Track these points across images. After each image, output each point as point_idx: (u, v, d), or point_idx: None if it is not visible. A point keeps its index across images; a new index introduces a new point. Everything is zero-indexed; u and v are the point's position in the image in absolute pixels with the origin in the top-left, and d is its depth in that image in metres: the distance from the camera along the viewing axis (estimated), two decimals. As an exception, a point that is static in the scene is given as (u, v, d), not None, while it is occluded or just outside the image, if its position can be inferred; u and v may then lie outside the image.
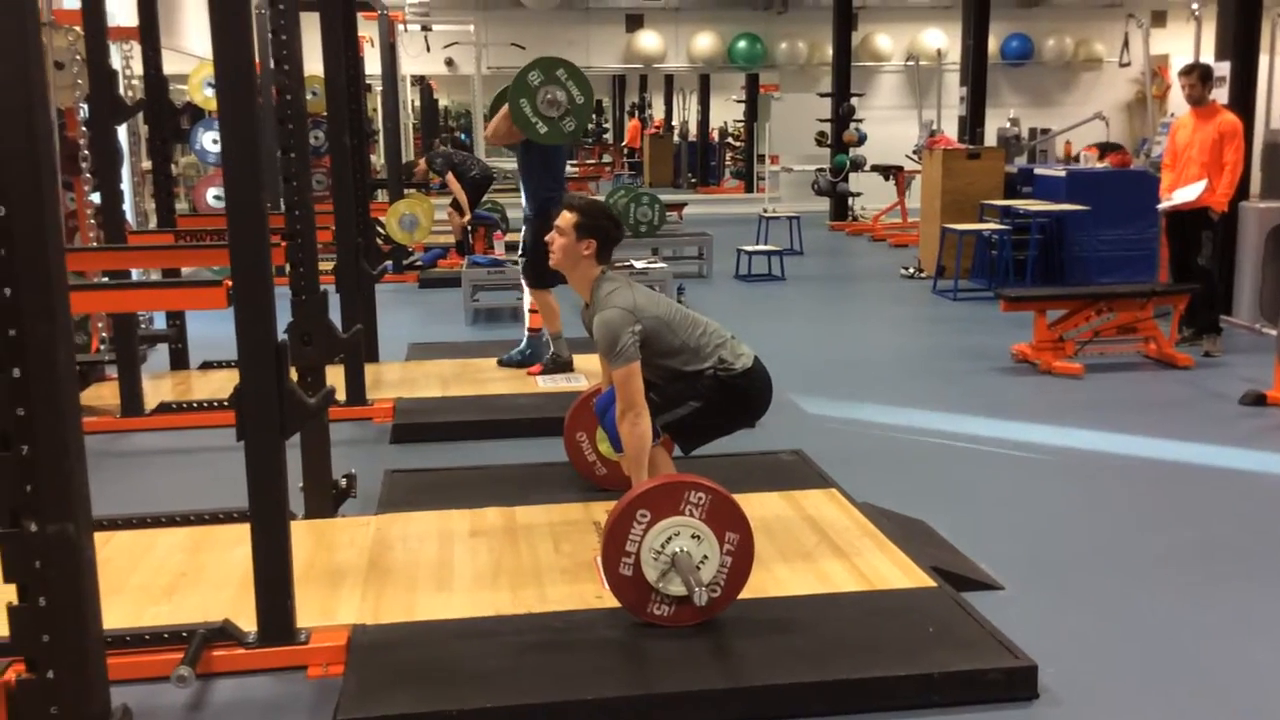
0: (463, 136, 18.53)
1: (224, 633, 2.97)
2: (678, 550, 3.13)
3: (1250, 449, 5.11)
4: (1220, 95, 7.47)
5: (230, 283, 2.74)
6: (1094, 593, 3.59)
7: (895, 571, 3.48)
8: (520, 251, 6.30)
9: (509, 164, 16.10)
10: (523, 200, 6.12)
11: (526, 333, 6.42)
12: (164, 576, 3.48)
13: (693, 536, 3.16)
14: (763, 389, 3.71)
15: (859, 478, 4.50)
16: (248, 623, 3.02)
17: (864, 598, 3.33)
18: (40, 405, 1.75)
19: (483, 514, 4.02)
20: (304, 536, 3.73)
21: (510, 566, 3.56)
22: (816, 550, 3.67)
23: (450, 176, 10.69)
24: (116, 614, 2.99)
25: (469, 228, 10.89)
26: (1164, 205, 7.12)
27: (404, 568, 3.56)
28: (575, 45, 17.04)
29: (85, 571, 1.86)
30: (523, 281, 6.31)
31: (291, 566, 2.99)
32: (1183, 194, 6.91)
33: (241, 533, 3.13)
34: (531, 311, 6.34)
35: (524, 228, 6.15)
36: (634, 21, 17.12)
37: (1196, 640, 3.27)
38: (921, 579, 3.42)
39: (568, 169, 22.53)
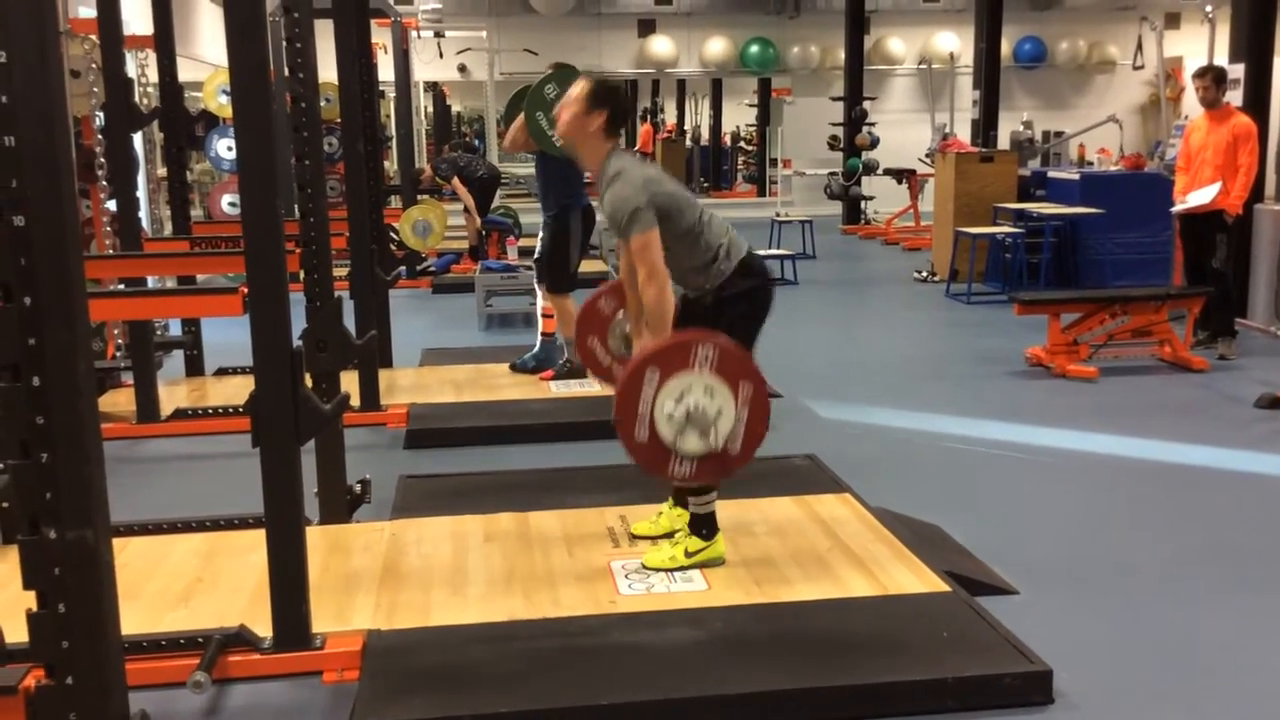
0: (476, 142, 18.56)
1: (240, 638, 2.98)
2: (691, 406, 3.10)
3: (1266, 452, 5.09)
4: (1234, 98, 7.44)
5: (246, 290, 2.76)
6: (1109, 597, 3.58)
7: (909, 576, 3.47)
8: (535, 255, 6.31)
9: (520, 169, 16.13)
10: (540, 204, 6.14)
11: (539, 337, 6.43)
12: (180, 582, 3.50)
13: (705, 391, 3.12)
14: (764, 268, 3.64)
15: (873, 482, 4.49)
16: (263, 628, 3.03)
17: (878, 603, 3.32)
18: (60, 413, 1.76)
19: (496, 519, 4.03)
20: (319, 542, 3.74)
21: (524, 571, 3.57)
22: (830, 555, 3.66)
23: (456, 181, 10.71)
24: (134, 619, 3.01)
25: (482, 233, 10.92)
26: (1178, 208, 7.09)
27: (418, 573, 3.57)
28: (587, 50, 17.07)
29: (104, 578, 1.87)
30: (536, 286, 6.32)
31: (306, 572, 3.00)
32: (1197, 197, 6.88)
33: (257, 538, 3.15)
34: (545, 316, 6.35)
35: (541, 231, 6.16)
36: (646, 26, 17.14)
37: (1212, 646, 3.26)
38: (936, 584, 3.41)
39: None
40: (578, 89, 3.56)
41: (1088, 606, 3.51)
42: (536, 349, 6.41)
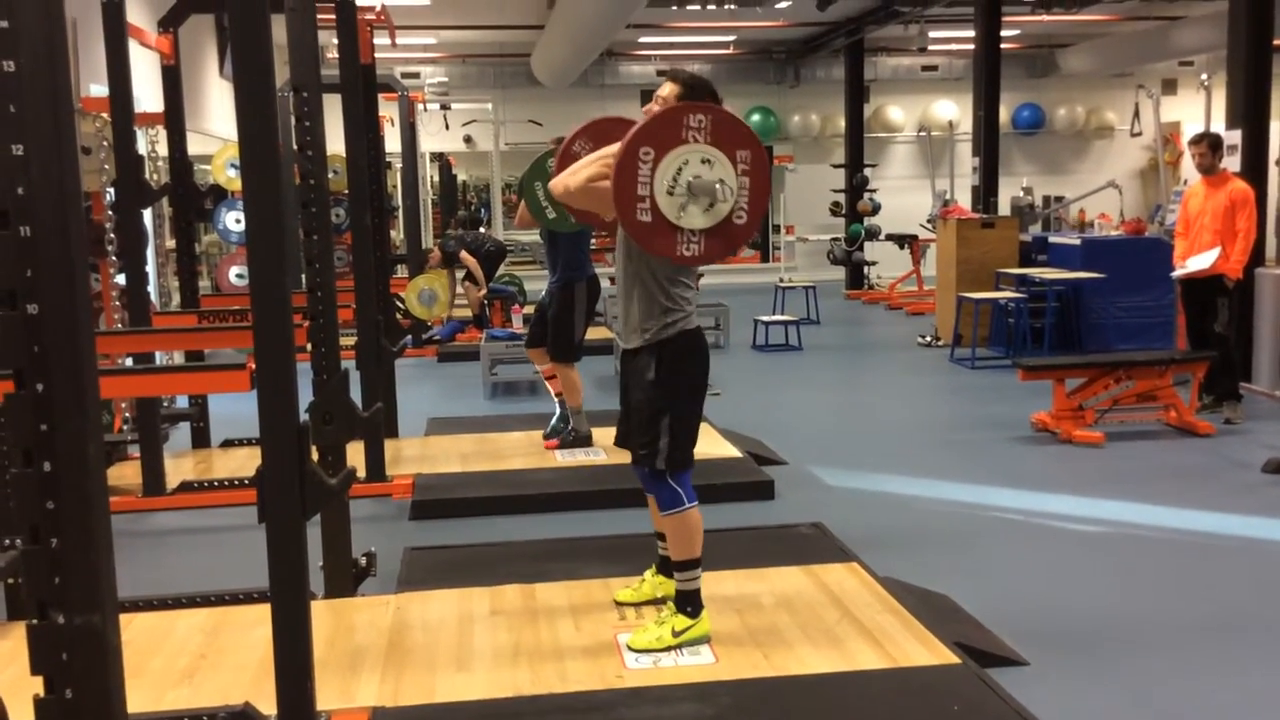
0: (481, 212, 18.73)
1: (244, 716, 2.96)
2: (692, 177, 3.02)
3: (1274, 518, 5.07)
4: (1233, 163, 7.52)
5: (253, 365, 2.78)
6: (1120, 667, 3.54)
7: (919, 648, 3.45)
8: (533, 322, 6.33)
9: (525, 236, 16.26)
10: (547, 273, 6.20)
11: (555, 399, 6.40)
12: (184, 659, 3.48)
13: (703, 161, 3.04)
14: (704, 344, 3.51)
15: (880, 551, 4.48)
16: (268, 705, 3.00)
17: (888, 675, 3.29)
18: (70, 499, 1.77)
19: (502, 592, 4.01)
20: (324, 616, 3.73)
21: (530, 645, 3.55)
22: (839, 626, 3.64)
23: (464, 254, 10.85)
24: (137, 697, 2.98)
25: (486, 301, 10.99)
26: (1178, 273, 7.14)
27: (424, 648, 3.55)
28: (591, 121, 17.28)
29: (111, 663, 1.87)
30: (529, 354, 6.27)
31: (311, 649, 2.98)
32: (1196, 262, 6.93)
33: (262, 613, 3.13)
34: (549, 378, 6.36)
35: (547, 299, 6.18)
36: (649, 97, 17.23)
37: (1224, 717, 3.22)
38: (946, 656, 3.39)
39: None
40: (669, 90, 3.45)
41: (1098, 677, 3.48)
42: (558, 411, 6.39)
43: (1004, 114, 14.79)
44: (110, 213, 6.12)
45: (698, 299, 3.57)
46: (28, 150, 1.73)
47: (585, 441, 6.21)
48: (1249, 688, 3.41)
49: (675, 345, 3.43)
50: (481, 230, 12.46)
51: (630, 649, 3.47)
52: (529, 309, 10.32)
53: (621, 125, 3.64)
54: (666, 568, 3.71)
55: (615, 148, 3.40)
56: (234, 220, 8.99)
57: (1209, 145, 6.95)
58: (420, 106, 12.87)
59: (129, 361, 5.59)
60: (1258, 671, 3.52)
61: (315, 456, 3.39)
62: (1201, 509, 5.21)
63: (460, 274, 11.18)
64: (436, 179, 17.97)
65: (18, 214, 1.75)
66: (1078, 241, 9.94)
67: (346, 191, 6.34)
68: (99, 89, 6.46)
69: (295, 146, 4.01)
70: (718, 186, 3.04)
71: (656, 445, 3.43)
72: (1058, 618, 3.97)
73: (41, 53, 1.74)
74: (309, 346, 4.05)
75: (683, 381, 3.48)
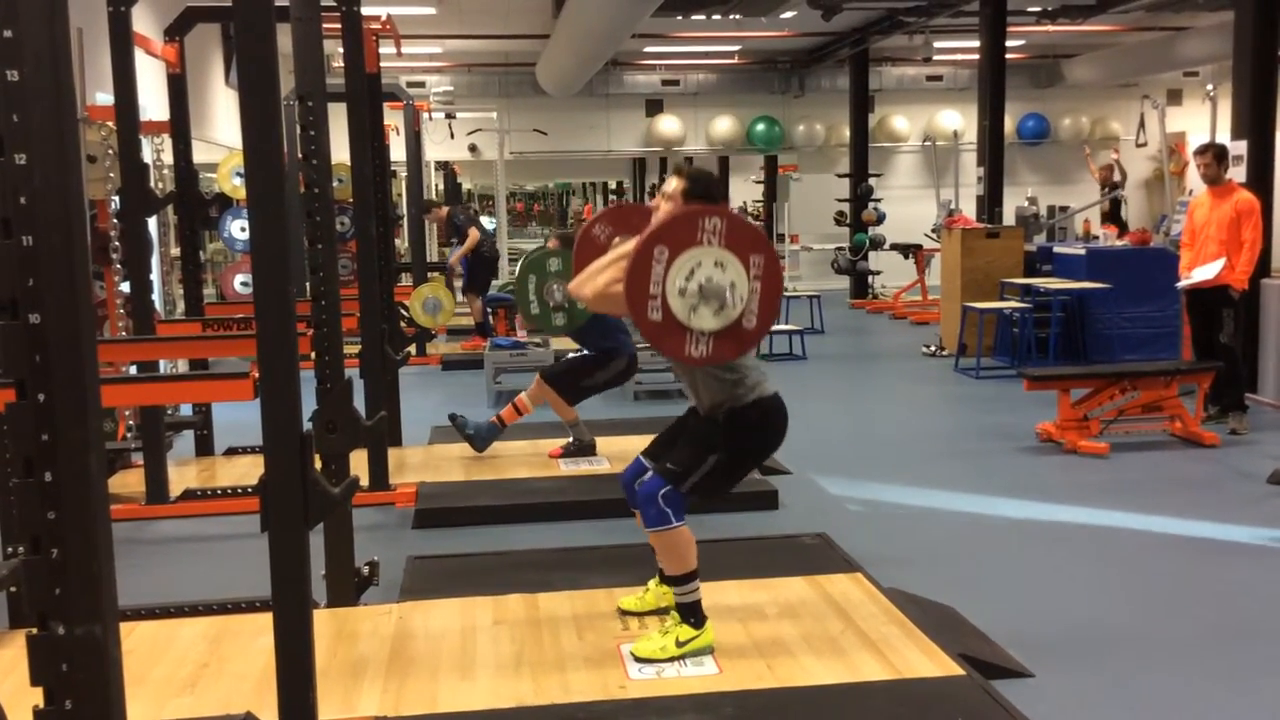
0: (488, 225, 18.78)
1: (246, 726, 2.95)
2: (704, 280, 3.05)
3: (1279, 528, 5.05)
4: (1238, 173, 7.51)
5: (257, 374, 2.78)
6: (1126, 678, 3.53)
7: (923, 659, 3.43)
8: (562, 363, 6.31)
9: (528, 244, 16.26)
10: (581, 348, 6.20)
11: (497, 418, 6.29)
12: (186, 668, 3.47)
13: (716, 264, 3.06)
14: (783, 418, 3.56)
15: (884, 561, 4.46)
16: (270, 714, 2.99)
17: (892, 687, 3.28)
18: (71, 509, 1.77)
19: (505, 601, 4.00)
20: (326, 625, 3.72)
21: (533, 655, 3.54)
22: (843, 637, 3.62)
23: (472, 230, 10.89)
24: (139, 707, 2.98)
25: (490, 310, 11.02)
26: (1183, 283, 7.12)
27: (426, 657, 3.54)
28: (596, 130, 17.32)
29: (112, 674, 1.86)
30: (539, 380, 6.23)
31: (314, 659, 2.97)
32: (1201, 272, 6.92)
33: (264, 623, 3.12)
34: (515, 406, 6.22)
35: (581, 352, 6.19)
36: (654, 106, 17.40)
37: (1233, 730, 3.20)
38: (950, 667, 3.37)
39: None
40: (674, 186, 3.53)
41: (1103, 689, 3.46)
42: (486, 425, 6.27)
43: (1009, 124, 14.80)
44: (115, 221, 6.12)
45: (756, 361, 3.57)
46: (30, 159, 1.73)
47: (589, 450, 6.20)
48: (1256, 699, 3.39)
49: (748, 416, 3.47)
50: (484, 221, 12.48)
51: (635, 658, 3.46)
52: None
53: (640, 213, 3.71)
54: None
55: (632, 244, 3.48)
56: (239, 228, 8.99)
57: (1214, 156, 6.94)
58: (425, 115, 12.89)
59: (133, 369, 5.59)
60: (1265, 683, 3.50)
61: (318, 465, 3.38)
62: (1207, 520, 5.19)
63: (459, 283, 11.19)
64: (441, 188, 17.99)
65: (20, 223, 1.75)
66: (1083, 252, 9.93)
67: (351, 200, 6.36)
68: (105, 97, 6.47)
69: (300, 155, 4.02)
70: (728, 291, 3.08)
71: (691, 471, 3.43)
72: (1062, 629, 3.95)
73: (44, 62, 1.74)
74: (313, 355, 4.06)
75: (747, 447, 3.53)
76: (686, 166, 3.69)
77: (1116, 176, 13.64)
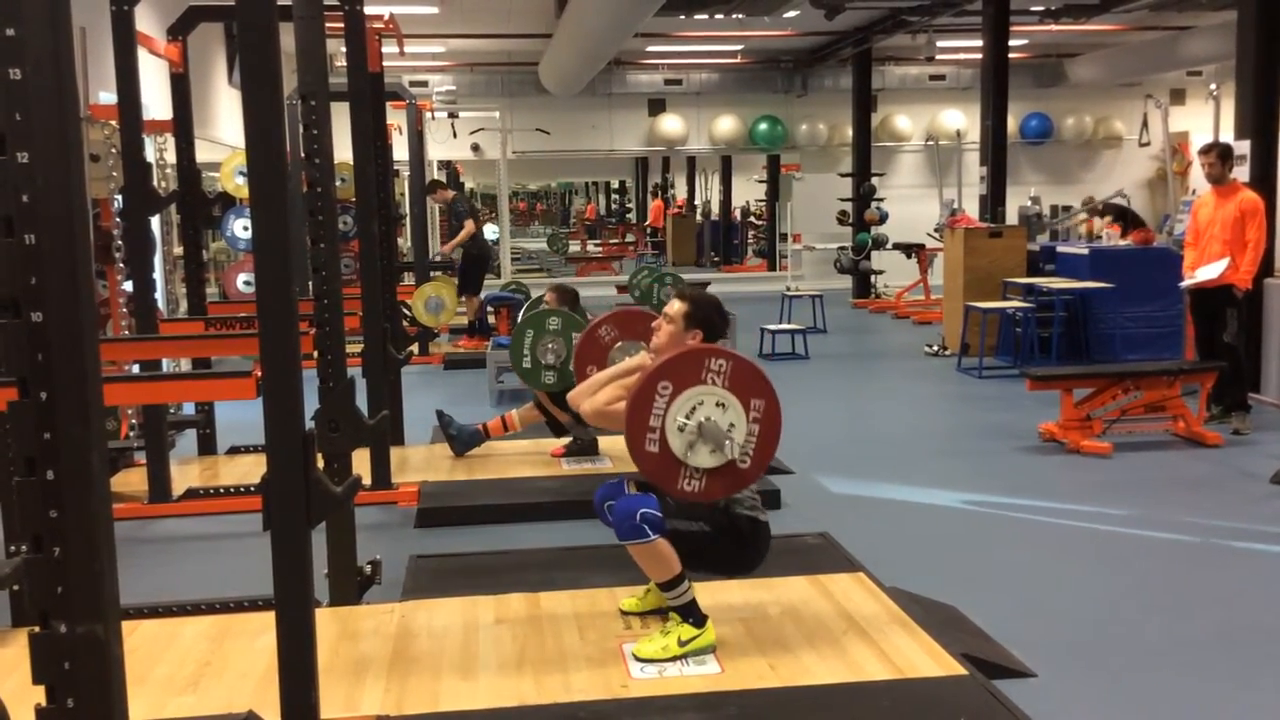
0: (490, 233, 18.81)
1: (248, 725, 2.95)
2: (704, 419, 3.08)
3: (1284, 529, 5.04)
4: (1241, 173, 7.50)
5: (259, 373, 2.78)
6: (1128, 678, 3.52)
7: (926, 659, 3.43)
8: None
9: (530, 244, 16.28)
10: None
11: (480, 425, 6.28)
12: (188, 666, 3.47)
13: (717, 404, 3.11)
14: (764, 548, 3.65)
15: (887, 561, 4.46)
16: (272, 713, 2.99)
17: (894, 686, 3.28)
18: (73, 508, 1.77)
19: (507, 600, 4.00)
20: (328, 624, 3.72)
21: (535, 654, 3.54)
22: (845, 637, 3.62)
23: (469, 223, 10.92)
24: (141, 705, 2.98)
25: (492, 310, 11.02)
26: (1187, 283, 7.12)
27: (428, 656, 3.54)
28: (599, 130, 17.33)
29: (113, 672, 1.86)
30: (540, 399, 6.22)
31: (316, 657, 2.98)
32: (1205, 272, 6.91)
33: (266, 621, 3.12)
34: (503, 421, 6.21)
35: None
36: (656, 106, 17.40)
37: (1236, 730, 3.20)
38: (952, 667, 3.37)
39: (589, 247, 22.74)
40: (676, 309, 3.62)
41: (1106, 689, 3.46)
42: (473, 427, 6.26)
43: (1012, 123, 14.79)
44: (118, 219, 6.13)
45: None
46: (33, 158, 1.73)
47: (591, 449, 6.20)
48: (1259, 700, 3.39)
49: (739, 523, 3.53)
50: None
51: (636, 658, 3.45)
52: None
53: (645, 319, 3.79)
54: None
55: (636, 361, 3.61)
56: (241, 227, 9.00)
57: (1219, 155, 6.93)
58: (428, 115, 12.89)
59: (135, 368, 5.59)
60: (1268, 683, 3.50)
61: (321, 464, 3.39)
62: (1209, 519, 5.19)
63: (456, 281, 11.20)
64: (444, 187, 17.99)
65: (22, 222, 1.75)
66: (1085, 251, 9.92)
67: (354, 199, 6.36)
68: (108, 96, 6.48)
69: (303, 154, 4.02)
70: (727, 440, 3.13)
71: (679, 519, 3.44)
72: (1065, 629, 3.95)
73: (47, 60, 1.74)
74: (315, 354, 4.06)
75: (728, 546, 3.57)
76: (690, 290, 3.80)
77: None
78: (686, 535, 3.48)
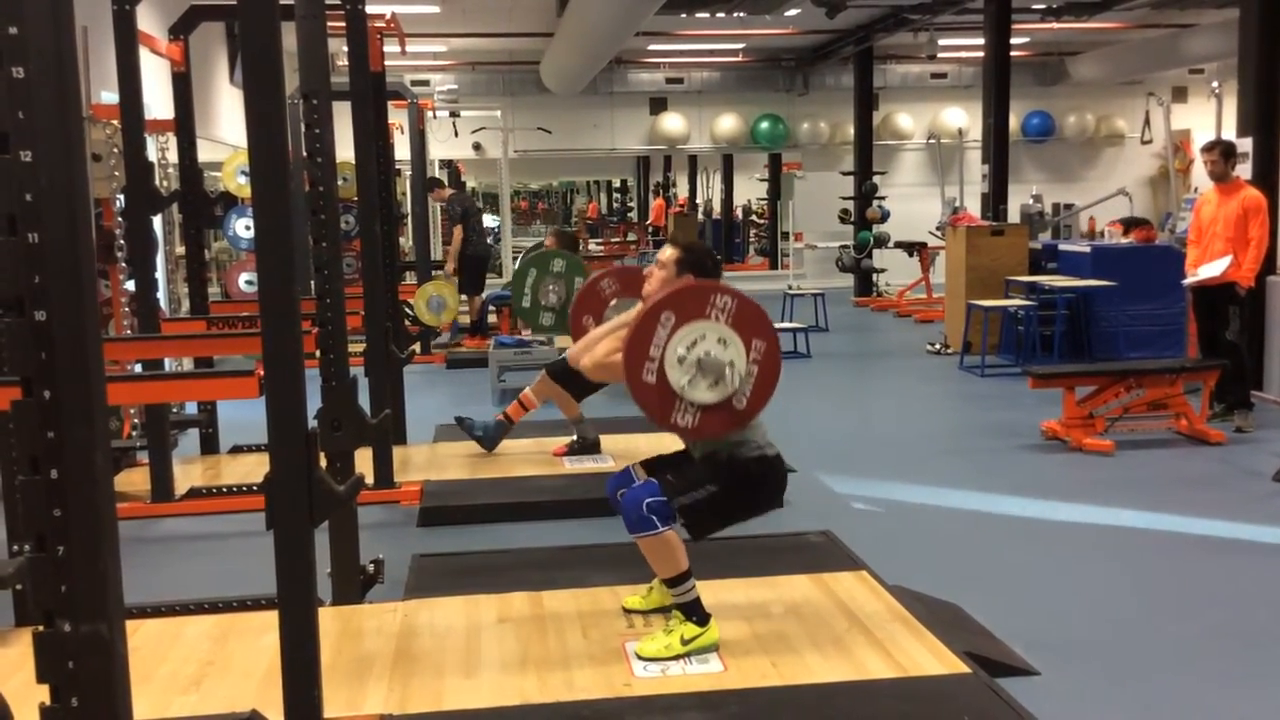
0: (494, 229, 18.79)
1: (251, 724, 2.95)
2: (703, 354, 3.06)
3: (1287, 527, 5.04)
4: (1244, 171, 7.49)
5: (262, 372, 2.79)
6: (1131, 677, 3.52)
7: (929, 657, 3.43)
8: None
9: (530, 241, 16.28)
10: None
11: (500, 414, 6.32)
12: (191, 665, 3.48)
13: (719, 340, 3.08)
14: (782, 482, 3.63)
15: (889, 559, 4.45)
16: (275, 712, 2.99)
17: (897, 685, 3.27)
18: (77, 507, 1.77)
19: (510, 599, 4.00)
20: (331, 623, 3.72)
21: (538, 653, 3.54)
22: (848, 635, 3.62)
23: (457, 229, 10.87)
24: (145, 704, 2.98)
25: (492, 308, 11.02)
26: (1189, 281, 7.11)
27: (431, 655, 3.54)
28: (600, 129, 17.32)
29: (118, 671, 1.86)
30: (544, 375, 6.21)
31: (319, 656, 2.98)
32: (1208, 269, 6.90)
33: (269, 620, 3.12)
34: (520, 403, 6.26)
35: None
36: (658, 105, 17.40)
37: (1239, 728, 3.20)
38: (956, 665, 3.37)
39: (591, 246, 22.73)
40: (668, 254, 3.61)
41: (1110, 688, 3.46)
42: (493, 424, 6.29)
43: (1014, 121, 14.77)
44: (120, 219, 6.13)
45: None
46: (36, 157, 1.73)
47: (593, 448, 6.20)
48: (1263, 698, 3.39)
49: (748, 468, 3.48)
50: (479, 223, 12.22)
51: (639, 657, 3.45)
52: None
53: (645, 278, 3.76)
54: None
55: (632, 315, 3.56)
56: (243, 227, 9.00)
57: (1221, 153, 6.93)
58: (429, 114, 12.89)
59: (138, 367, 5.60)
60: (1271, 681, 3.49)
61: (323, 463, 3.39)
62: (1212, 517, 5.18)
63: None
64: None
65: (25, 220, 1.75)
66: (1087, 249, 9.91)
67: (355, 199, 6.36)
68: (110, 96, 6.48)
69: (305, 154, 4.02)
70: (726, 369, 3.11)
71: (683, 491, 3.42)
72: (1068, 627, 3.95)
73: (50, 59, 1.74)
74: (318, 353, 4.06)
75: (743, 494, 3.52)
76: (682, 238, 3.75)
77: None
78: (699, 505, 3.45)
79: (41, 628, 1.85)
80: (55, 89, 1.74)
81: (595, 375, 3.68)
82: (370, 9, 5.58)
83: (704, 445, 3.56)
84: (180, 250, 7.15)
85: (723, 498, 3.50)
